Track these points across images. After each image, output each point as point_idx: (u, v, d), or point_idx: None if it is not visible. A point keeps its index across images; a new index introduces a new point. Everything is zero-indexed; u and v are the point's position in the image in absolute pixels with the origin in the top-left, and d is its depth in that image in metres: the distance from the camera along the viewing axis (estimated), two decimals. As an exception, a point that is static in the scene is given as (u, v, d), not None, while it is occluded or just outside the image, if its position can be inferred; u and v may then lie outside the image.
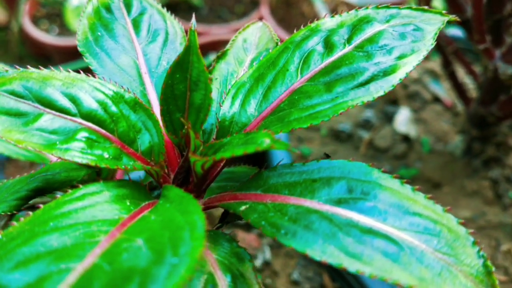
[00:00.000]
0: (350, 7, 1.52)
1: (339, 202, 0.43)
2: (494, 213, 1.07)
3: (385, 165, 1.18)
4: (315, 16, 1.67)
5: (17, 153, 0.66)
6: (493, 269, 0.41)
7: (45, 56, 1.70)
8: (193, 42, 0.43)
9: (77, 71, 0.49)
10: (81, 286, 0.31)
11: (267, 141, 0.39)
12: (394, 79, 0.47)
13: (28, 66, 0.48)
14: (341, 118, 1.31)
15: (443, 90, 1.34)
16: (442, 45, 1.06)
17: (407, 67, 0.48)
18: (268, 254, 1.03)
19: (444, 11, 0.53)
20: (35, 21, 1.73)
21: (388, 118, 1.29)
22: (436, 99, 1.33)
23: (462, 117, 1.25)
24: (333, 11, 1.72)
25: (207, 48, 1.50)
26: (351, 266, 0.38)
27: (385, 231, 0.40)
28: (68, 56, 1.53)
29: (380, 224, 0.41)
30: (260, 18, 1.70)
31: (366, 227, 0.40)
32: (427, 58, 1.44)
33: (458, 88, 1.08)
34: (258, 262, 1.01)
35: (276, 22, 1.66)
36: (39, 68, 0.48)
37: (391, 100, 1.33)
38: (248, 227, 1.09)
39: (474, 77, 1.07)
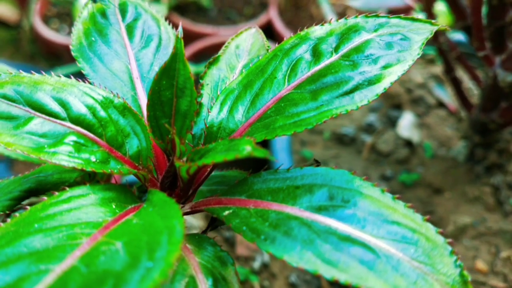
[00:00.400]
0: (360, 11, 1.52)
1: (319, 209, 0.43)
2: (494, 219, 1.07)
3: (386, 169, 1.19)
4: (323, 19, 1.67)
5: (16, 153, 0.67)
6: (469, 278, 0.41)
7: (55, 55, 1.72)
8: (179, 50, 0.43)
9: (79, 73, 0.50)
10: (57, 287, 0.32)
11: (247, 149, 0.39)
12: (379, 89, 0.48)
13: (29, 72, 0.49)
14: (345, 122, 1.31)
15: (448, 95, 1.34)
16: (445, 50, 1.06)
17: (392, 76, 0.48)
18: (266, 256, 1.03)
19: (434, 21, 0.53)
20: (46, 20, 1.75)
21: (392, 122, 1.29)
22: (441, 104, 1.33)
23: (466, 123, 1.25)
24: (342, 15, 1.73)
25: (215, 50, 1.51)
26: (327, 272, 0.39)
27: (363, 239, 0.41)
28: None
29: (358, 232, 0.41)
30: (269, 20, 1.71)
31: (344, 235, 0.41)
32: (432, 62, 1.44)
33: (460, 94, 1.08)
34: (256, 265, 1.02)
35: (284, 24, 1.66)
36: (49, 67, 0.49)
37: (395, 105, 1.34)
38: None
39: (477, 82, 1.07)
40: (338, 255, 0.40)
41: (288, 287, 1.00)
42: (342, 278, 0.38)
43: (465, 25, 0.99)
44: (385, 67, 0.49)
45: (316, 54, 0.52)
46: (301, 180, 0.46)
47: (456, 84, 1.07)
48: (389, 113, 1.32)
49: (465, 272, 0.41)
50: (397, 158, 1.21)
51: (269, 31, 1.69)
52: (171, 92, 0.45)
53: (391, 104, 1.34)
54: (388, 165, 1.20)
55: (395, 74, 0.48)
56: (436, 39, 1.03)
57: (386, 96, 1.36)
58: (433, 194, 1.13)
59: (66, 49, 1.63)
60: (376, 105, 1.34)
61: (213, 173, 0.55)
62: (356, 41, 0.51)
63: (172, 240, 0.36)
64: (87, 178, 0.54)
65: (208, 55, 1.60)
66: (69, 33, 1.72)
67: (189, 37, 1.58)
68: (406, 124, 1.27)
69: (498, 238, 1.04)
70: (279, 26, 1.64)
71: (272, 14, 1.70)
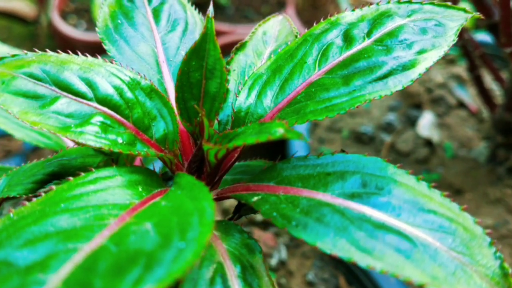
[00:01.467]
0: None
1: (352, 196, 0.42)
2: (517, 222, 1.05)
3: (406, 169, 1.17)
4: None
5: (37, 140, 0.66)
6: (510, 271, 0.40)
7: (73, 51, 1.71)
8: (210, 30, 0.42)
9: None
10: (86, 265, 0.31)
11: (280, 131, 0.38)
12: (413, 74, 0.46)
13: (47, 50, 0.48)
14: (363, 121, 1.29)
15: (469, 96, 1.32)
16: (469, 49, 1.05)
17: (427, 62, 0.47)
18: (284, 253, 1.02)
19: (467, 8, 0.52)
20: (64, 16, 1.76)
21: (411, 122, 1.27)
22: (461, 105, 1.31)
23: (487, 123, 1.23)
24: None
25: (232, 48, 1.50)
26: (362, 260, 0.37)
27: (398, 227, 0.39)
28: (95, 51, 1.54)
29: (393, 219, 0.40)
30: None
31: (378, 222, 0.40)
32: (453, 62, 1.42)
33: (484, 93, 1.06)
34: (273, 261, 1.01)
35: (301, 23, 1.65)
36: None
37: (415, 104, 1.32)
38: (265, 226, 1.08)
39: (501, 83, 1.05)
40: (373, 243, 0.38)
41: (306, 285, 0.99)
42: (377, 266, 0.37)
43: (489, 24, 0.98)
44: (419, 52, 0.47)
45: (348, 39, 0.50)
46: (332, 167, 0.45)
47: (479, 83, 1.06)
48: (409, 112, 1.30)
49: (505, 265, 0.40)
50: (416, 158, 1.19)
51: (287, 30, 1.68)
52: (201, 74, 0.44)
53: (411, 103, 1.32)
54: (407, 164, 1.18)
55: (430, 59, 0.47)
56: (461, 36, 1.01)
57: (406, 95, 1.34)
58: (453, 195, 1.11)
59: (83, 44, 1.63)
60: (396, 104, 1.32)
61: (236, 163, 0.54)
62: (389, 26, 0.50)
63: (203, 221, 0.34)
64: (110, 163, 0.53)
65: (225, 53, 1.59)
66: (87, 29, 1.72)
67: (206, 34, 1.57)
68: (426, 124, 1.25)
69: (521, 240, 1.02)
70: (297, 25, 1.63)
71: (290, 13, 1.69)
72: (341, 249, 0.38)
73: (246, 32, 1.70)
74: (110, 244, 0.33)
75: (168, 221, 0.35)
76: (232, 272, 0.42)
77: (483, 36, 1.32)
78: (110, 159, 0.52)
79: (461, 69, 1.39)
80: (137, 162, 0.58)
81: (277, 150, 1.25)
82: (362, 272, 0.97)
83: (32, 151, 1.33)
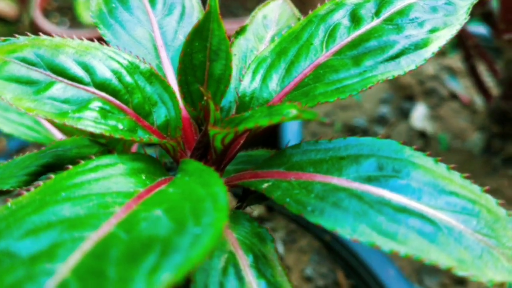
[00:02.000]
0: None
1: (369, 180, 0.40)
2: (514, 212, 1.04)
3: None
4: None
5: (26, 134, 0.64)
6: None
7: (55, 50, 1.68)
8: (213, 8, 0.40)
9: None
10: (97, 253, 0.28)
11: (293, 112, 0.36)
12: (426, 53, 0.45)
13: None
14: (356, 113, 1.28)
15: (461, 87, 1.31)
16: (463, 38, 1.03)
17: (440, 41, 0.45)
18: (281, 249, 1.00)
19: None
20: (46, 14, 1.72)
21: (404, 114, 1.26)
22: (454, 96, 1.30)
23: (481, 114, 1.22)
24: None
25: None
26: (385, 245, 0.35)
27: (420, 210, 0.37)
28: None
29: (415, 202, 0.38)
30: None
31: (399, 206, 0.38)
32: (444, 54, 1.42)
33: (479, 83, 1.05)
34: (270, 257, 0.99)
35: (289, 18, 1.63)
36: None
37: (407, 96, 1.31)
38: (260, 221, 1.06)
39: (494, 74, 1.04)
40: (395, 227, 0.36)
41: (303, 280, 0.96)
42: (402, 250, 0.35)
43: (483, 12, 0.97)
44: (431, 31, 0.46)
45: (355, 19, 0.49)
46: (345, 151, 0.43)
47: (474, 73, 1.04)
48: (401, 104, 1.28)
49: (531, 247, 0.38)
50: (411, 150, 1.18)
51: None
52: (204, 55, 0.42)
53: (403, 95, 1.31)
54: (402, 157, 1.17)
55: (443, 38, 0.45)
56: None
57: (398, 87, 1.33)
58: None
59: (67, 42, 1.59)
60: (388, 97, 1.31)
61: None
62: (399, 4, 0.48)
63: (217, 206, 0.32)
64: (106, 153, 0.50)
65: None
66: (70, 26, 1.69)
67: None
68: (419, 116, 1.24)
69: (519, 230, 1.01)
70: (285, 19, 1.61)
71: (277, 8, 1.67)
72: (362, 234, 0.36)
73: (233, 28, 1.67)
74: (120, 231, 0.31)
75: (180, 208, 0.33)
76: (245, 261, 0.40)
77: (474, 28, 1.31)
78: (106, 149, 0.50)
79: (452, 61, 1.39)
80: (133, 151, 0.56)
81: (268, 142, 1.23)
82: (361, 266, 0.96)
83: (17, 152, 1.30)
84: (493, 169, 1.10)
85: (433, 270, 0.97)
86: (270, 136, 1.21)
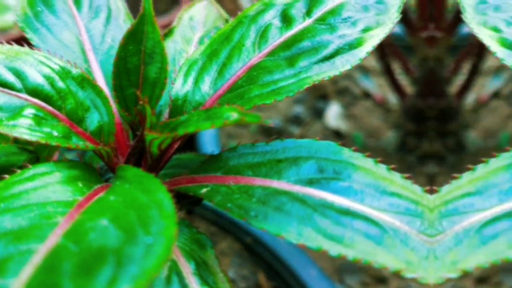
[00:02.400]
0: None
1: (310, 183, 0.39)
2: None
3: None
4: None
5: None
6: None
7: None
8: (147, 10, 0.38)
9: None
10: (49, 267, 0.27)
11: (234, 115, 0.35)
12: (361, 53, 0.45)
13: None
14: (270, 114, 1.28)
15: (374, 86, 1.34)
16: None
17: (374, 40, 0.45)
18: (203, 254, 0.98)
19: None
20: None
21: (319, 113, 1.28)
22: (367, 95, 1.33)
23: (395, 113, 1.25)
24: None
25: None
26: (332, 249, 0.35)
27: (364, 212, 0.37)
28: None
29: (358, 205, 0.38)
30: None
31: (343, 208, 0.37)
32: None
33: (393, 81, 1.08)
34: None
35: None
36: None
37: (320, 95, 1.32)
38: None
39: (408, 72, 1.07)
40: (341, 230, 0.36)
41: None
42: (349, 254, 0.35)
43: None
44: (365, 30, 0.46)
45: (287, 20, 0.48)
46: (283, 153, 0.42)
47: (389, 72, 1.07)
48: (315, 104, 1.30)
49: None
50: (327, 149, 1.19)
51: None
52: (139, 59, 0.41)
53: (317, 95, 1.32)
54: (319, 156, 1.18)
55: (377, 37, 0.45)
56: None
57: (311, 87, 1.34)
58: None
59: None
60: (301, 97, 1.32)
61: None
62: (330, 4, 0.48)
63: (164, 213, 0.31)
64: (34, 160, 0.48)
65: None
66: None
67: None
68: (333, 115, 1.26)
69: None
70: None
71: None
72: (308, 238, 0.35)
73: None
74: (68, 242, 0.30)
75: (125, 216, 0.32)
76: (188, 269, 0.39)
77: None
78: (35, 156, 0.47)
79: (365, 60, 1.42)
80: (55, 158, 0.53)
81: (185, 147, 1.21)
82: (283, 267, 0.96)
83: None
84: (409, 167, 1.14)
85: (353, 269, 0.99)
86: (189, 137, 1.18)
